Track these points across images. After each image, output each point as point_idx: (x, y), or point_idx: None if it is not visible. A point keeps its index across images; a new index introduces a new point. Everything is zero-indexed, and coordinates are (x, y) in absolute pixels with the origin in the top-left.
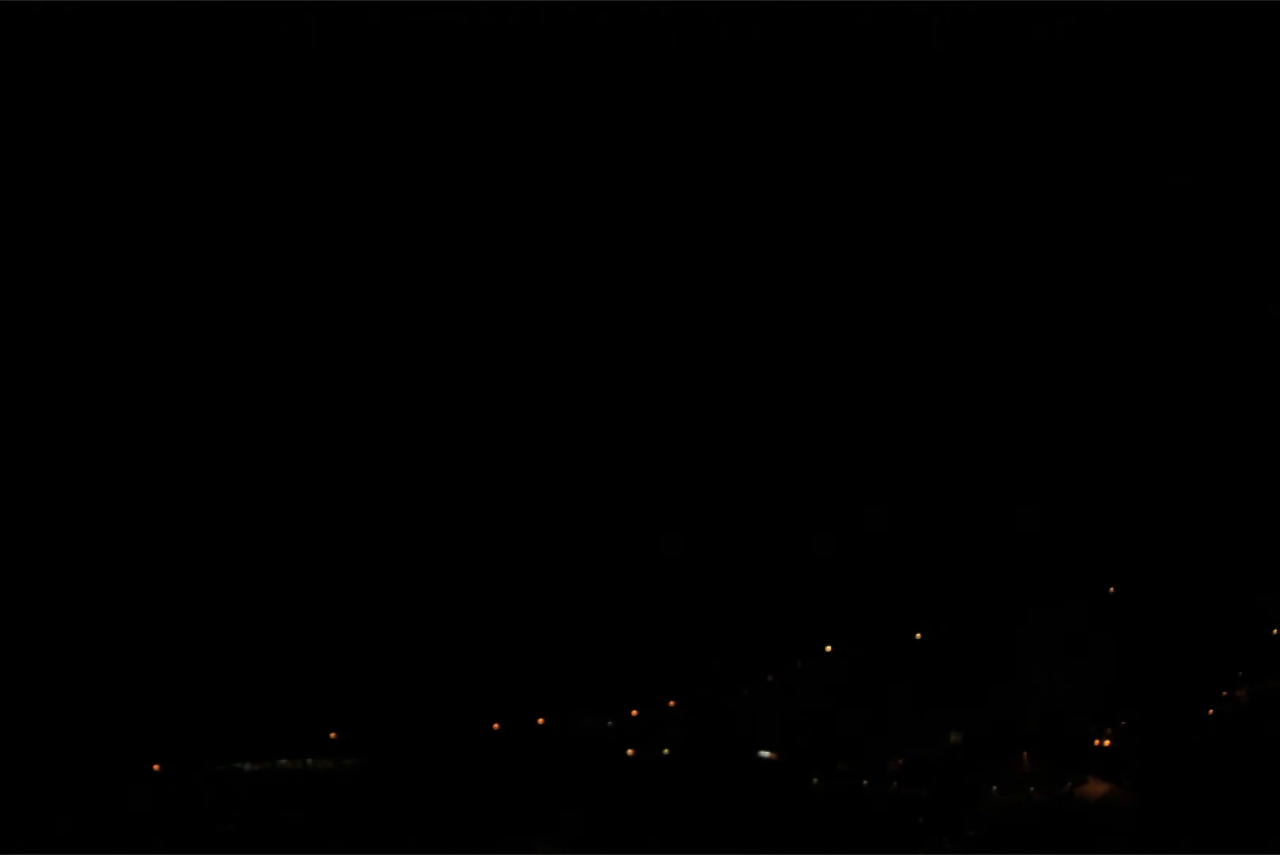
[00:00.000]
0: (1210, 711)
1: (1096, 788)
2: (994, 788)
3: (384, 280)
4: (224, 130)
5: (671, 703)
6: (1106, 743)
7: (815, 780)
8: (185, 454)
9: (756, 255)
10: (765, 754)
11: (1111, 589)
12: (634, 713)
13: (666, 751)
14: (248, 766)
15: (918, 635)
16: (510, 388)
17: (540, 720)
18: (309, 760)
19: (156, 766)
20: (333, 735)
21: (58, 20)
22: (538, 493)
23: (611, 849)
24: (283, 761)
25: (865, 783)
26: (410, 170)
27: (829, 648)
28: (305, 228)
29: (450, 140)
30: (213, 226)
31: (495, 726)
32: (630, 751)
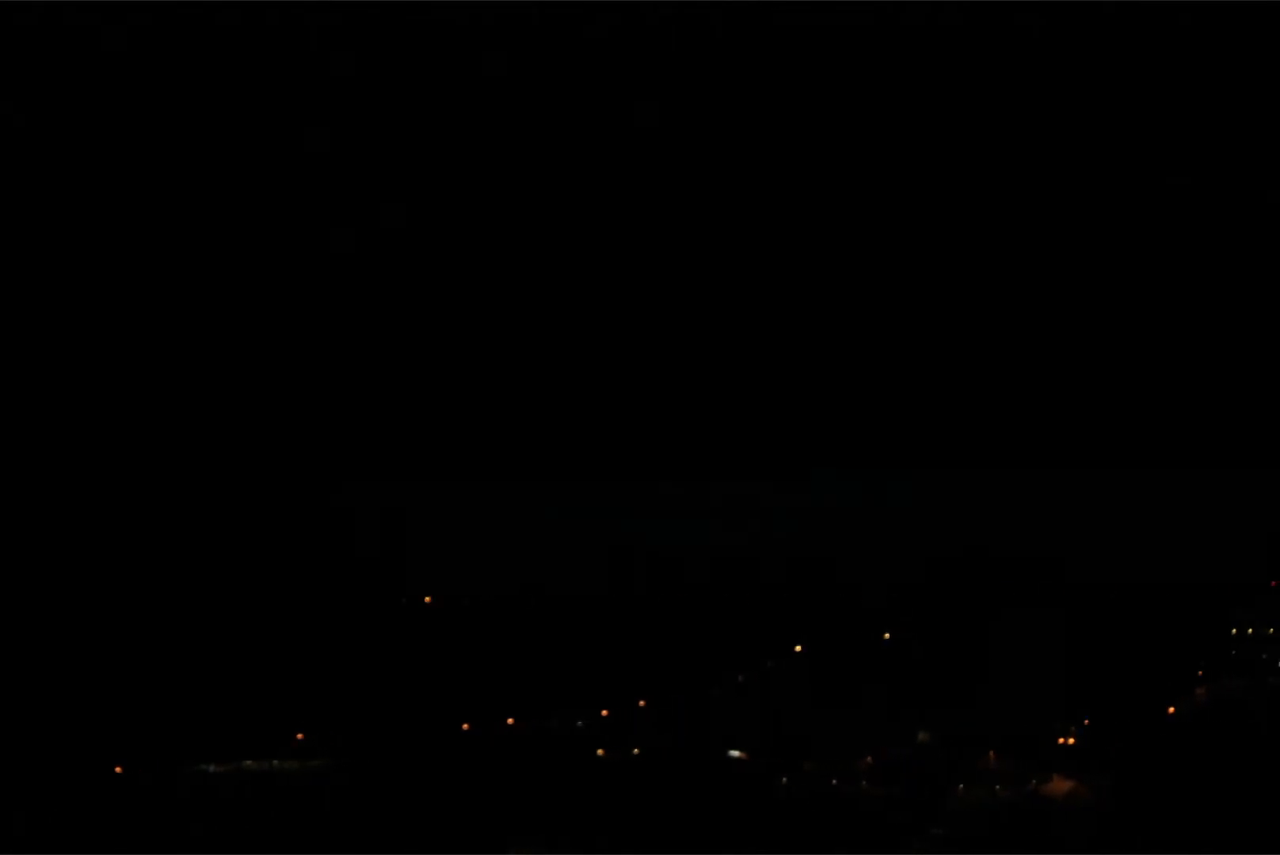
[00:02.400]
0: (1171, 709)
1: (1061, 785)
2: (960, 786)
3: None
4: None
5: (641, 703)
6: (1071, 740)
7: (784, 780)
8: (141, 458)
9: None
10: (735, 754)
11: (1075, 589)
12: (604, 713)
13: (637, 751)
14: (212, 768)
15: (886, 635)
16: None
17: (510, 720)
18: (275, 761)
19: (119, 769)
20: (300, 736)
21: (57, 20)
22: (501, 485)
23: (583, 849)
24: (248, 763)
25: (834, 782)
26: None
27: (799, 648)
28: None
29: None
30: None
31: (465, 727)
32: (600, 751)
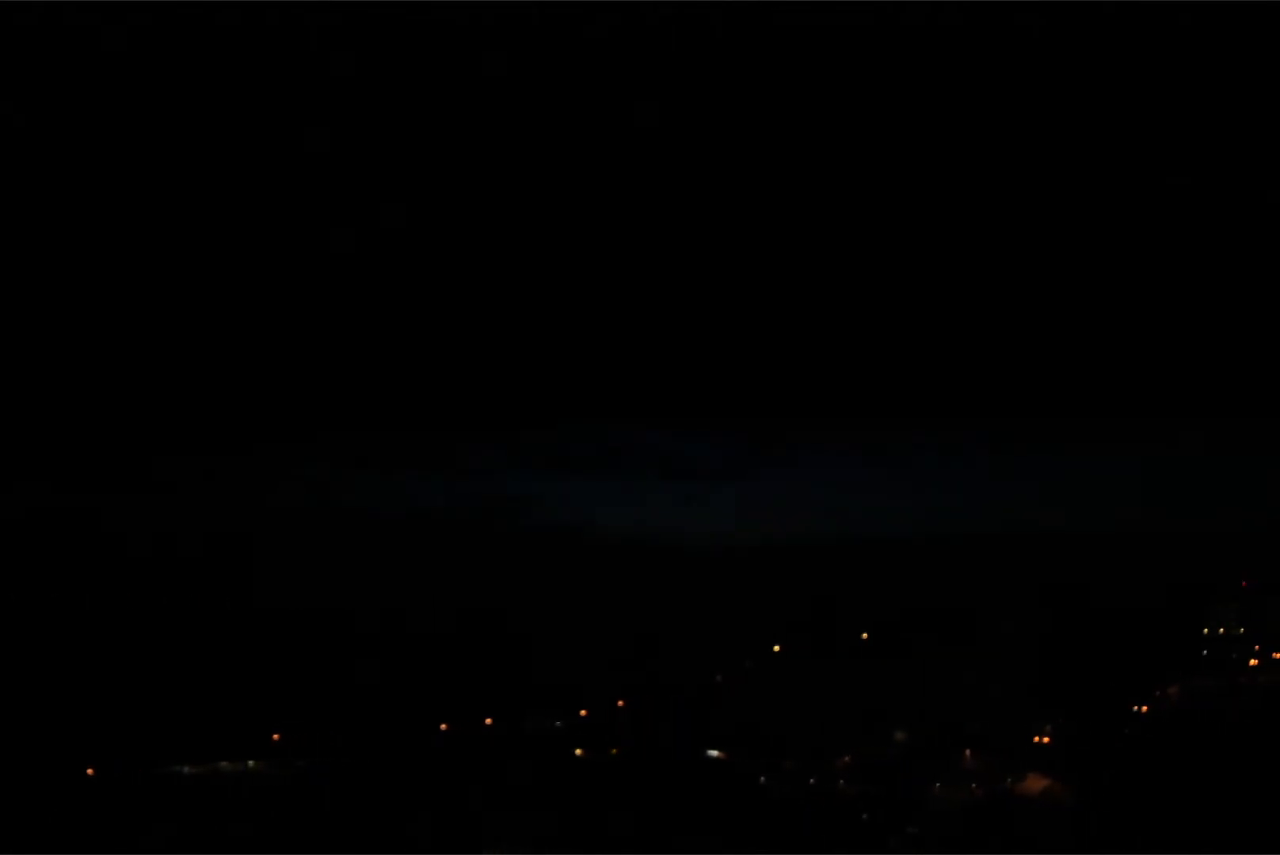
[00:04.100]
0: (1144, 708)
1: (1037, 783)
2: (937, 785)
3: None
4: None
5: (620, 703)
6: (1045, 739)
7: (763, 779)
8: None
9: None
10: (714, 753)
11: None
12: (583, 713)
13: (615, 751)
14: (187, 770)
15: (864, 635)
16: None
17: (489, 720)
18: (250, 762)
19: (90, 771)
20: (276, 737)
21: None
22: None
23: (561, 848)
24: (223, 764)
25: (812, 781)
26: None
27: (777, 648)
28: None
29: None
30: None
31: (443, 727)
32: (579, 752)
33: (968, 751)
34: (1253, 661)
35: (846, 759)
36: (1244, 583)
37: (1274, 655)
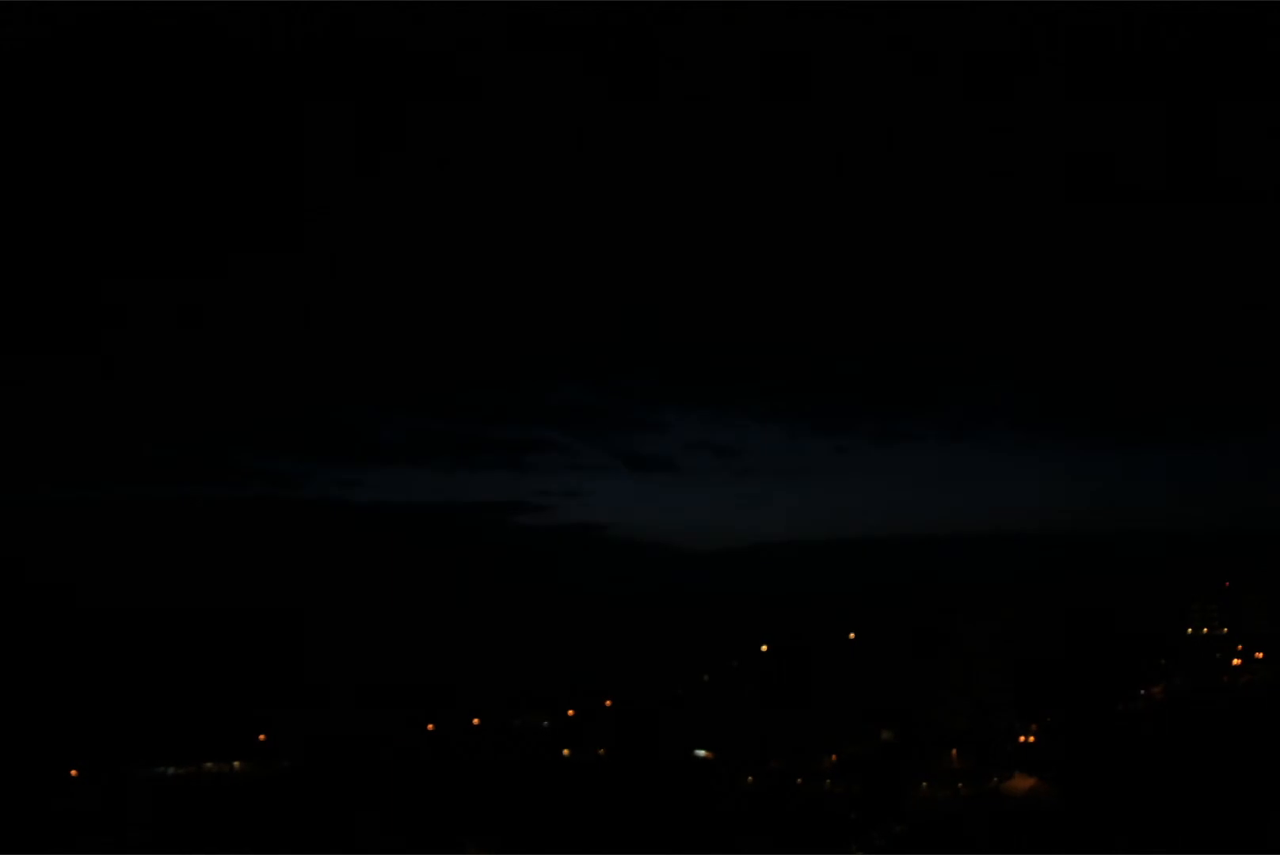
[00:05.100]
0: (1129, 708)
1: (1022, 782)
2: (924, 784)
3: None
4: None
5: (608, 702)
6: (1031, 739)
7: (750, 779)
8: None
9: None
10: (701, 753)
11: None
12: (570, 712)
13: (602, 751)
14: (171, 771)
15: (851, 635)
16: None
17: (476, 720)
18: (235, 762)
19: (74, 772)
20: (261, 738)
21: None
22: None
23: (547, 848)
24: (208, 765)
25: (799, 780)
26: None
27: (764, 647)
28: None
29: None
30: None
31: (430, 727)
32: (566, 751)
33: (954, 751)
34: (1235, 661)
35: (833, 758)
36: (1226, 583)
37: (1256, 655)
